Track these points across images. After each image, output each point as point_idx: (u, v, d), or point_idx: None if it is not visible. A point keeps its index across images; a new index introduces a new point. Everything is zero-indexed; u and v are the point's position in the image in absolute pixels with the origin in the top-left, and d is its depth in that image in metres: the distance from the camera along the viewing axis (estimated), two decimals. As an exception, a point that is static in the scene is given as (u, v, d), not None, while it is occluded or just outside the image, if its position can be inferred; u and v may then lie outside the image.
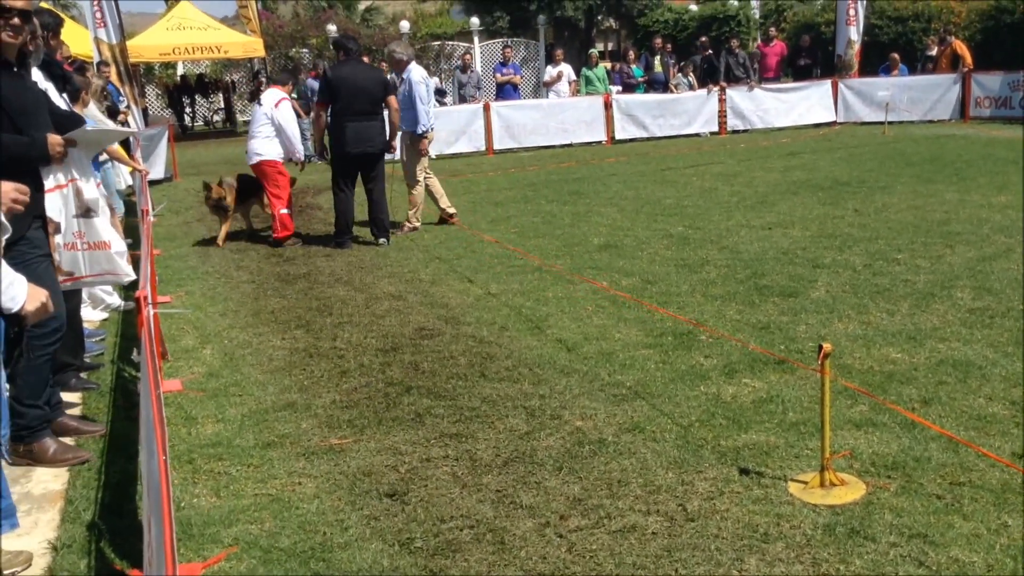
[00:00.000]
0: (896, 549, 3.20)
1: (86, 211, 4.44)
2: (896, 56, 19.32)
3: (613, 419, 4.45)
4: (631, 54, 20.37)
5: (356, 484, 3.91)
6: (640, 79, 19.33)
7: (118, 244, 4.64)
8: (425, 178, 9.83)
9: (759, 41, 21.04)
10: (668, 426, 4.34)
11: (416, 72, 9.70)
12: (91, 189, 4.44)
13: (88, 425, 4.63)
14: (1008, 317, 5.67)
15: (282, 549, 3.40)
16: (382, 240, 9.17)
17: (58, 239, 4.40)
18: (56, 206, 4.33)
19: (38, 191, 4.06)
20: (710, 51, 19.88)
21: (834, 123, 18.85)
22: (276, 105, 9.30)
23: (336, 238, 9.21)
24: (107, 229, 4.56)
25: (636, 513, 3.55)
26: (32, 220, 4.02)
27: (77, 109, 6.16)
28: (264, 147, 9.30)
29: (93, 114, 7.75)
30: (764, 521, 3.44)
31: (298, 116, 17.97)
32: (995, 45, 19.75)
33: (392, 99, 9.17)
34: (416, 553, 3.34)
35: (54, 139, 4.06)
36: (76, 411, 4.88)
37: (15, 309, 2.74)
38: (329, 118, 9.15)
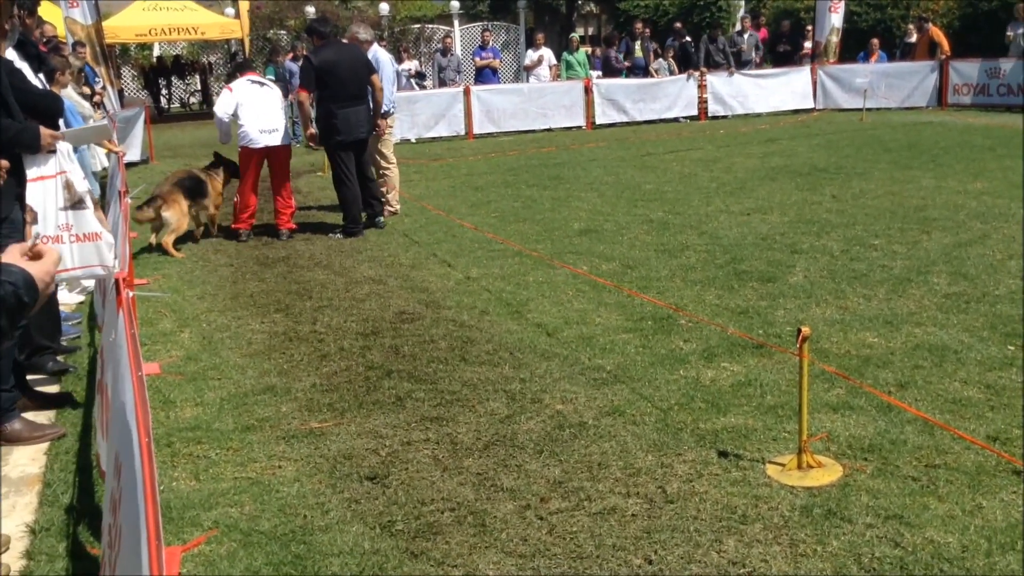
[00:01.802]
0: (872, 530, 3.25)
1: (78, 202, 4.38)
2: (875, 42, 19.38)
3: (593, 403, 4.47)
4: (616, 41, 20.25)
5: (337, 467, 3.91)
6: (624, 65, 19.27)
7: (108, 235, 4.57)
8: (385, 169, 9.72)
9: (748, 25, 20.82)
10: (648, 409, 4.37)
11: (382, 53, 9.72)
12: (81, 181, 4.41)
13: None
14: (983, 302, 5.73)
15: (262, 532, 3.40)
16: (379, 220, 9.06)
17: (36, 229, 4.36)
18: (38, 197, 4.29)
19: (20, 178, 4.04)
20: (687, 38, 19.83)
21: (813, 110, 18.89)
22: None
23: (350, 227, 8.74)
24: (98, 220, 4.52)
25: (616, 495, 3.57)
26: (15, 201, 4.00)
27: (54, 90, 6.08)
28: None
29: (71, 96, 7.67)
30: (742, 503, 3.47)
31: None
32: (973, 32, 19.86)
33: (376, 78, 8.92)
34: (397, 536, 3.35)
35: (46, 131, 4.09)
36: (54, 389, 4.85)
37: None
38: (313, 105, 8.80)
